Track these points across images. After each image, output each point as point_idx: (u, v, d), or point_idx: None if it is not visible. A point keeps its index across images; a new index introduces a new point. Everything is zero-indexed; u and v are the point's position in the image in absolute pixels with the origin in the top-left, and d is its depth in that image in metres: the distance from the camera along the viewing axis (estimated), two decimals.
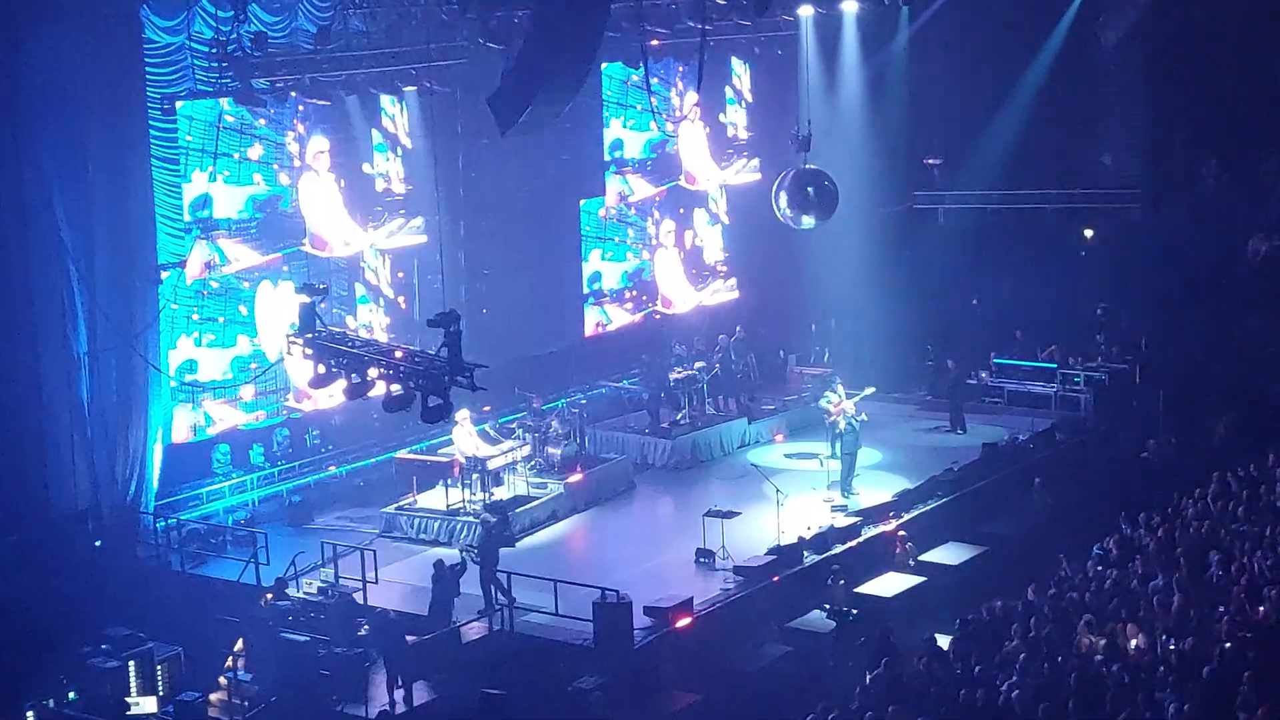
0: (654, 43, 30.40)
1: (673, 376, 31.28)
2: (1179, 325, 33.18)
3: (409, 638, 21.86)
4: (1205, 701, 16.98)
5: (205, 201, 26.90)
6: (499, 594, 23.26)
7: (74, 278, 24.26)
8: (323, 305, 22.37)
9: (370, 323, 29.66)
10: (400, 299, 30.45)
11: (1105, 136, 36.59)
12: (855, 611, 23.17)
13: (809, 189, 26.45)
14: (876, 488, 28.17)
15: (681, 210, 36.18)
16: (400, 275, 30.41)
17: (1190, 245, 33.86)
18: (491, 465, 26.73)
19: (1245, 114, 34.45)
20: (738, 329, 34.03)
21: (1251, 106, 34.20)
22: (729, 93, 36.80)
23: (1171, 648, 18.62)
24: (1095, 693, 17.69)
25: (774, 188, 26.85)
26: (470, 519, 25.85)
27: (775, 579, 23.98)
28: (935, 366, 33.91)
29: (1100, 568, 22.27)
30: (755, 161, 36.95)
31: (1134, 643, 19.09)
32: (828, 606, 23.21)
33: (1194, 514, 23.75)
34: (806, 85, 30.53)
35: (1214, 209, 34.53)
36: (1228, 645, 18.27)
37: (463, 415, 26.37)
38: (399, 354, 21.44)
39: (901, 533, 25.86)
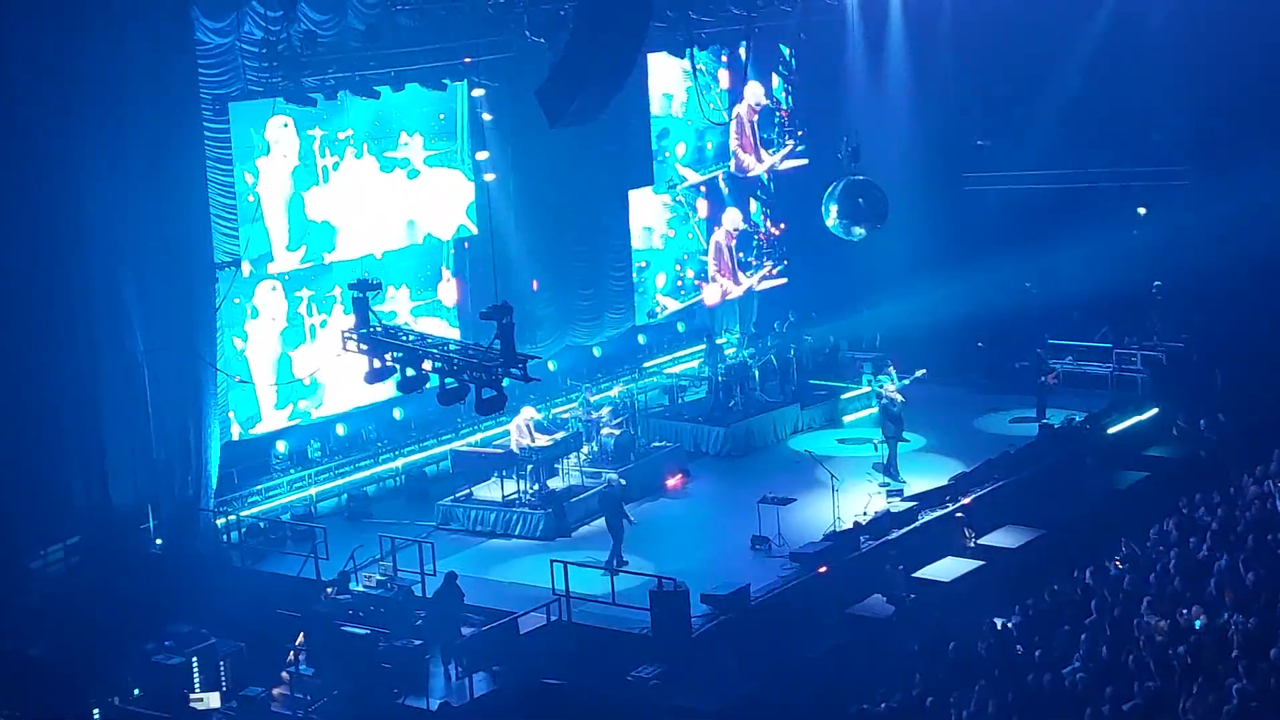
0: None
1: (725, 364, 31.26)
2: (1233, 302, 32.87)
3: (465, 630, 22.06)
4: (1271, 682, 16.86)
5: None
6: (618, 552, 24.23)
7: (130, 278, 24.44)
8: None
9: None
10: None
11: (1155, 113, 36.30)
12: (913, 596, 23.20)
13: (859, 199, 26.40)
14: (930, 472, 28.09)
15: (733, 199, 36.13)
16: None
17: (1243, 222, 33.57)
18: (545, 456, 26.81)
19: None
20: (790, 315, 33.97)
21: None
22: (776, 79, 36.68)
23: (1236, 628, 18.48)
24: (1159, 674, 17.61)
25: (824, 198, 26.81)
26: (526, 509, 26.26)
27: (823, 569, 23.80)
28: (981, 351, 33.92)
29: (1161, 548, 22.14)
30: (803, 147, 36.81)
31: (1197, 623, 18.97)
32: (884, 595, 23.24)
33: (1255, 493, 23.56)
34: (856, 88, 30.27)
35: (1266, 185, 34.20)
36: None
37: (527, 412, 26.54)
38: (452, 347, 21.54)
39: (960, 515, 25.77)
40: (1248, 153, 34.78)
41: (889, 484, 27.29)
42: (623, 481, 25.94)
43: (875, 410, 29.35)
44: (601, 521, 26.47)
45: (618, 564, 24.30)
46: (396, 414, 29.31)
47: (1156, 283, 34.63)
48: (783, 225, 37.00)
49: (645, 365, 33.92)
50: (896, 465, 27.94)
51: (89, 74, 23.58)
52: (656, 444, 29.36)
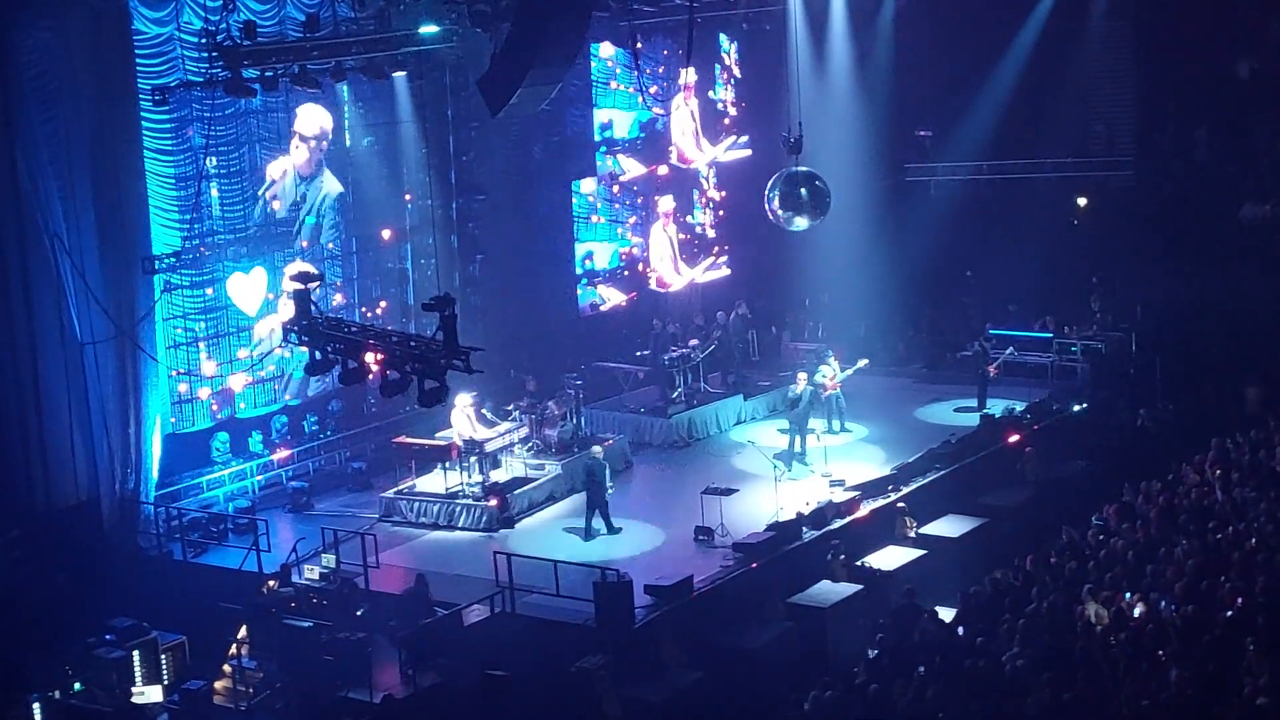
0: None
1: (667, 355, 31.30)
2: (1174, 292, 33.18)
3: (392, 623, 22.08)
4: (1209, 669, 17.03)
5: None
6: (604, 524, 25.21)
7: (69, 269, 24.26)
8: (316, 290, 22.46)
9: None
10: None
11: (1097, 105, 36.57)
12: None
13: (801, 190, 26.47)
14: (872, 461, 28.22)
15: (672, 188, 36.12)
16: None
17: (1183, 212, 33.88)
18: (489, 448, 26.77)
19: (1236, 80, 34.46)
20: (739, 304, 34.04)
21: (1242, 72, 34.20)
22: (718, 70, 36.72)
23: (1174, 615, 18.66)
24: (1098, 662, 17.75)
25: (766, 189, 26.90)
26: (470, 501, 26.19)
27: (754, 565, 23.85)
28: (929, 341, 34.10)
29: (1101, 536, 22.32)
30: (745, 138, 36.87)
31: (1136, 611, 19.14)
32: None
33: (1194, 480, 23.78)
34: (797, 81, 30.31)
35: (1206, 175, 34.53)
36: (1231, 612, 18.30)
37: (463, 400, 26.43)
38: (394, 338, 21.46)
39: (901, 505, 25.90)
40: (1187, 143, 35.11)
41: (830, 475, 27.35)
42: (601, 453, 26.14)
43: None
44: (546, 512, 26.59)
45: (610, 530, 25.43)
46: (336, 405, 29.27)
47: (1096, 274, 34.87)
48: (724, 206, 37.00)
49: (588, 356, 33.83)
50: (791, 454, 28.05)
51: (26, 62, 23.40)
52: (601, 436, 29.35)
